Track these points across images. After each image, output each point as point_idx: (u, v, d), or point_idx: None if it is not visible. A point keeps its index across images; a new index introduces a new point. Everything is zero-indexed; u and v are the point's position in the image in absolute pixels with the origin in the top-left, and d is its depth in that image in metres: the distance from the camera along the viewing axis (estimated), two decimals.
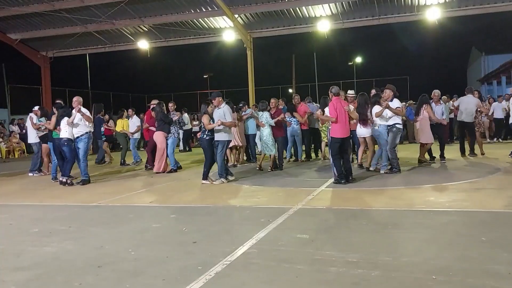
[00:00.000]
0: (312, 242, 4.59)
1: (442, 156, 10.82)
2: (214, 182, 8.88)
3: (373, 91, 10.12)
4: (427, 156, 10.69)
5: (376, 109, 9.14)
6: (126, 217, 6.26)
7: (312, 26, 20.07)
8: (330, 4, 18.60)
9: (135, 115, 14.11)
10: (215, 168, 9.23)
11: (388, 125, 9.13)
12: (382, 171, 9.17)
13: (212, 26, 21.17)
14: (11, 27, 22.02)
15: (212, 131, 8.92)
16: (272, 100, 10.93)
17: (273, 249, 4.37)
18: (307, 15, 19.64)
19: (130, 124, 13.66)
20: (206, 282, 3.56)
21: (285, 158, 12.18)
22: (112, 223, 5.94)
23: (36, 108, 11.87)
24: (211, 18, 20.41)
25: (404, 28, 36.90)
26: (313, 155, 13.24)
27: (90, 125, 9.76)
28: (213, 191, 8.28)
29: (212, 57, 36.37)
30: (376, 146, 9.69)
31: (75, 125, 9.36)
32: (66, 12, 19.37)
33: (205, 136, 9.00)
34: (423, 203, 6.30)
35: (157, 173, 10.81)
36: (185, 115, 17.92)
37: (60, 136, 9.31)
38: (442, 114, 11.00)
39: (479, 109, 11.61)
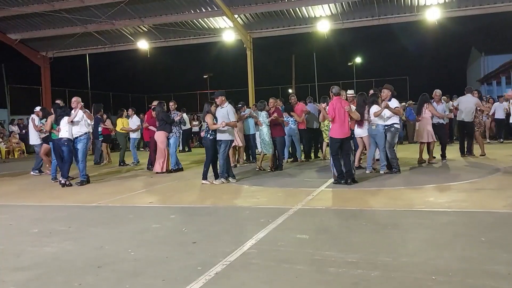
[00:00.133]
0: (312, 242, 4.59)
1: (443, 156, 10.84)
2: (214, 182, 8.88)
3: (371, 91, 10.13)
4: (426, 156, 10.71)
5: (375, 108, 9.15)
6: (126, 218, 6.27)
7: (312, 26, 20.07)
8: (330, 5, 18.60)
9: (135, 115, 14.11)
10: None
11: (386, 125, 9.14)
12: (381, 171, 9.17)
13: (212, 26, 21.16)
14: (11, 27, 22.01)
15: (215, 131, 8.92)
16: (271, 100, 10.92)
17: (272, 249, 4.37)
18: (307, 16, 19.63)
19: (130, 123, 13.67)
20: (206, 283, 3.57)
21: (284, 158, 12.15)
22: (112, 224, 5.95)
23: (38, 109, 11.86)
24: (211, 18, 20.40)
25: (404, 28, 36.95)
26: (312, 155, 13.25)
27: (91, 124, 9.80)
28: (213, 191, 8.29)
29: (212, 57, 36.37)
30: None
31: (75, 125, 9.34)
32: (66, 12, 19.36)
33: (208, 135, 9.00)
34: (422, 203, 6.31)
35: (157, 173, 10.81)
36: (184, 115, 17.91)
37: (60, 136, 9.26)
38: (447, 110, 11.12)
39: (479, 108, 11.60)
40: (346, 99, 8.87)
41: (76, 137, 9.41)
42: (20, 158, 18.88)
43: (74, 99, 9.72)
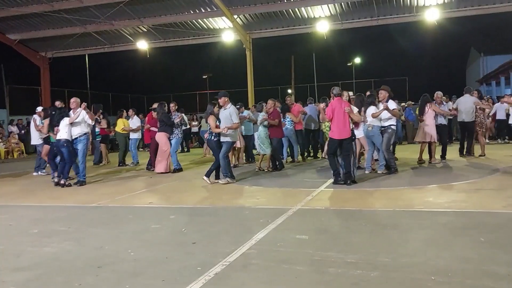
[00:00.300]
0: (312, 242, 4.60)
1: (443, 156, 10.88)
2: (220, 182, 8.87)
3: (368, 93, 10.13)
4: (426, 156, 10.74)
5: (372, 110, 9.15)
6: (125, 218, 6.27)
7: (311, 26, 20.09)
8: (329, 5, 18.62)
9: (135, 116, 14.08)
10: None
11: (383, 126, 9.18)
12: (379, 171, 9.19)
13: (211, 27, 21.18)
14: (10, 28, 22.01)
15: (218, 132, 8.92)
16: (270, 102, 10.92)
17: (272, 249, 4.38)
18: (306, 16, 19.66)
19: (130, 124, 13.64)
20: (206, 283, 3.57)
21: (282, 159, 12.14)
22: (111, 224, 5.95)
23: (40, 109, 11.85)
24: (210, 18, 20.42)
25: (403, 29, 36.92)
26: (311, 155, 13.26)
27: (91, 124, 9.82)
28: (213, 191, 8.29)
29: (211, 57, 36.42)
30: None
31: (75, 125, 9.33)
32: (65, 12, 19.36)
33: (212, 137, 9.00)
34: (422, 203, 6.31)
35: (160, 173, 10.83)
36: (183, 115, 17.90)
37: (59, 138, 9.22)
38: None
39: (479, 107, 11.61)
40: (349, 100, 8.84)
41: (76, 138, 9.40)
42: (19, 158, 18.87)
43: (72, 99, 9.71)
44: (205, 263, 4.02)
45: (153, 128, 11.51)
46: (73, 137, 9.35)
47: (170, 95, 29.57)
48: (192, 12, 19.81)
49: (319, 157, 13.03)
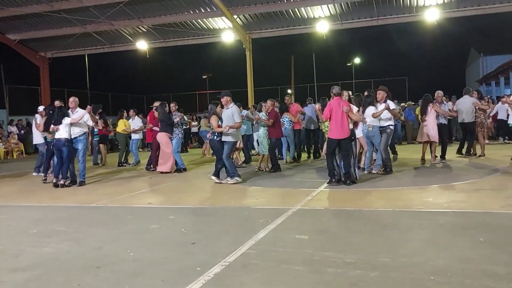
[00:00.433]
0: (311, 242, 4.60)
1: (443, 156, 10.90)
2: (228, 182, 8.86)
3: (366, 93, 10.12)
4: (428, 156, 10.76)
5: (372, 110, 9.14)
6: (125, 218, 6.27)
7: (311, 27, 20.09)
8: (329, 5, 18.61)
9: (136, 116, 14.03)
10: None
11: (381, 126, 9.19)
12: (374, 171, 9.19)
13: (211, 27, 21.17)
14: (10, 28, 21.99)
15: (220, 132, 8.91)
16: (268, 102, 10.92)
17: (272, 249, 4.38)
18: (306, 16, 19.65)
19: (131, 124, 13.63)
20: (205, 283, 3.57)
21: (281, 159, 12.14)
22: (111, 224, 5.95)
23: (41, 108, 11.84)
24: (210, 18, 20.41)
25: (403, 29, 36.96)
26: (306, 155, 13.26)
27: (91, 125, 9.86)
28: (212, 192, 8.30)
29: (211, 57, 36.44)
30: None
31: (75, 125, 9.33)
32: (65, 12, 19.35)
33: (215, 137, 8.99)
34: (421, 203, 6.32)
35: (165, 172, 10.85)
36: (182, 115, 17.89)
37: (58, 137, 9.20)
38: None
39: (478, 107, 11.61)
40: (349, 100, 8.82)
41: (75, 137, 9.40)
42: (18, 158, 18.86)
43: (71, 99, 9.72)
44: (204, 263, 4.02)
45: (155, 128, 11.50)
46: (73, 137, 9.35)
47: (169, 95, 29.59)
48: (192, 12, 19.80)
49: (319, 157, 13.01)
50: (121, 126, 13.55)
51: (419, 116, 11.05)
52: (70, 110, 9.58)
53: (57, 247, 4.83)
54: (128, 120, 13.76)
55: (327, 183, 8.07)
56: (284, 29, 20.83)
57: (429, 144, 10.69)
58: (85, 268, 4.10)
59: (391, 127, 9.35)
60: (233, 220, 5.85)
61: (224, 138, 8.91)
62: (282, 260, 4.04)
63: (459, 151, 11.90)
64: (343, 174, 8.07)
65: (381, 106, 9.26)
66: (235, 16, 19.62)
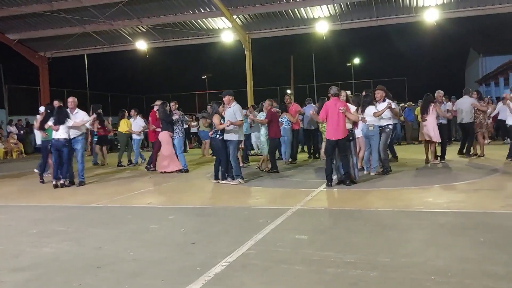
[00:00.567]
0: (311, 243, 4.60)
1: (442, 156, 10.92)
2: (230, 183, 8.87)
3: (364, 93, 10.11)
4: (430, 156, 10.78)
5: (373, 109, 9.13)
6: (125, 218, 6.27)
7: (310, 27, 20.08)
8: (329, 6, 18.61)
9: (138, 116, 14.00)
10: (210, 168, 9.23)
11: (381, 126, 9.20)
12: (372, 173, 9.17)
13: (211, 27, 21.16)
14: (10, 28, 21.96)
15: (223, 131, 8.91)
16: (267, 102, 10.92)
17: (271, 250, 4.38)
18: (306, 16, 19.65)
19: (133, 124, 13.61)
20: (205, 283, 3.57)
21: (281, 159, 12.14)
22: (111, 224, 5.95)
23: (42, 109, 11.82)
24: (209, 19, 20.40)
25: (402, 29, 36.94)
26: (306, 155, 13.26)
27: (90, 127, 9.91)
28: (212, 192, 8.30)
29: (210, 58, 36.44)
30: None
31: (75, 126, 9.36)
32: (65, 12, 19.33)
33: (217, 136, 8.99)
34: (421, 204, 6.32)
35: (162, 172, 10.85)
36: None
37: (58, 137, 9.18)
38: (447, 112, 11.27)
39: (476, 108, 11.62)
40: (347, 100, 8.79)
41: (73, 138, 9.40)
42: (18, 158, 18.85)
43: (70, 99, 9.70)
44: (204, 263, 4.02)
45: (158, 129, 11.48)
46: (71, 137, 9.34)
47: (169, 95, 29.58)
48: (191, 12, 19.78)
49: (318, 158, 13.01)
50: (123, 126, 13.52)
51: (419, 116, 11.06)
52: (69, 110, 9.57)
53: (57, 247, 4.83)
54: (129, 120, 13.74)
55: (326, 185, 8.06)
56: (284, 29, 20.82)
57: (430, 144, 10.71)
58: (85, 268, 4.10)
59: (390, 126, 9.37)
60: (233, 220, 5.85)
61: (227, 137, 8.90)
62: (282, 260, 4.04)
63: (460, 152, 11.91)
64: (342, 174, 8.06)
65: (381, 106, 9.26)
66: (235, 16, 19.62)
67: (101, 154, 14.11)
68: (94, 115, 9.89)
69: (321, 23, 19.24)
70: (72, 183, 9.49)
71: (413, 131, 17.71)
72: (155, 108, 11.84)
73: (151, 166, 11.66)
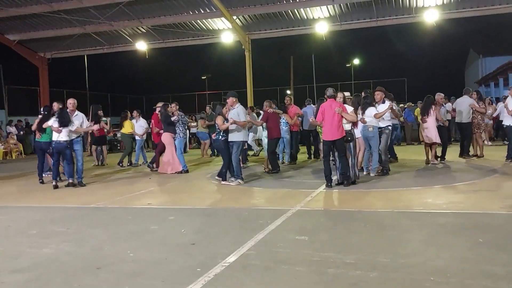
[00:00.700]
0: (311, 243, 4.60)
1: (443, 157, 10.94)
2: (231, 183, 8.86)
3: (363, 93, 10.10)
4: (430, 157, 10.79)
5: (373, 110, 9.12)
6: (125, 219, 6.27)
7: (310, 28, 20.09)
8: (328, 6, 18.63)
9: (141, 117, 13.98)
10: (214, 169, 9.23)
11: (380, 127, 9.21)
12: (372, 174, 9.17)
13: (211, 28, 21.18)
14: (9, 28, 21.99)
15: (226, 132, 8.91)
16: (265, 103, 10.92)
17: (271, 250, 4.38)
18: (305, 17, 19.67)
19: (136, 125, 13.62)
20: (205, 284, 3.58)
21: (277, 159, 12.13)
22: (111, 225, 5.95)
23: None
24: (209, 19, 20.42)
25: (402, 30, 37.03)
26: (303, 156, 13.26)
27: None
28: (212, 192, 8.30)
29: (210, 58, 36.45)
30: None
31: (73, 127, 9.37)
32: (65, 13, 19.35)
33: (220, 137, 8.99)
34: (420, 204, 6.33)
35: (164, 173, 10.84)
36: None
37: (60, 139, 9.16)
38: (446, 113, 11.27)
39: (474, 109, 11.63)
40: (344, 101, 8.77)
41: (72, 139, 9.41)
42: (17, 159, 18.85)
43: (71, 101, 9.70)
44: (204, 264, 4.03)
45: (161, 131, 11.49)
46: (70, 138, 9.36)
47: (169, 96, 29.60)
48: (191, 13, 19.80)
49: (319, 158, 13.01)
50: (127, 127, 13.52)
51: (419, 117, 11.07)
52: (69, 112, 9.57)
53: (57, 248, 4.83)
54: (131, 121, 13.74)
55: (326, 186, 8.06)
56: (284, 30, 20.84)
57: (430, 145, 10.72)
58: (85, 268, 4.11)
59: (389, 127, 9.43)
60: (233, 221, 5.86)
61: (231, 138, 8.91)
62: (282, 261, 4.05)
63: (461, 154, 11.91)
64: (340, 175, 8.06)
65: (381, 107, 9.26)
66: (235, 17, 19.63)
67: (95, 155, 14.07)
68: (98, 126, 10.00)
69: (321, 24, 19.26)
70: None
71: (412, 132, 17.72)
72: (157, 110, 11.85)
73: (154, 166, 11.66)
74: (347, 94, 10.58)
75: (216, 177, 9.37)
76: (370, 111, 9.09)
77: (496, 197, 6.61)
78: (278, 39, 23.47)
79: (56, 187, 9.21)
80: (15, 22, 21.08)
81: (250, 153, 14.78)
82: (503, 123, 11.64)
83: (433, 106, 10.52)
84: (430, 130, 10.44)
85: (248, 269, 3.90)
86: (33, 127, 10.38)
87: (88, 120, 11.03)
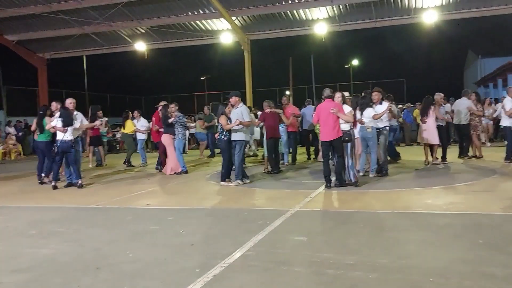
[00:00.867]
0: (310, 244, 4.60)
1: (443, 157, 10.96)
2: (230, 184, 8.85)
3: (363, 94, 10.10)
4: (430, 157, 10.80)
5: (372, 111, 9.12)
6: (124, 219, 6.26)
7: (309, 28, 20.10)
8: (327, 7, 18.65)
9: (141, 117, 13.97)
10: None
11: (379, 128, 9.22)
12: (371, 175, 9.16)
13: (210, 28, 21.18)
14: (8, 29, 21.97)
15: (229, 132, 8.90)
16: (264, 104, 10.92)
17: (271, 251, 4.38)
18: (304, 18, 19.69)
19: (137, 125, 13.61)
20: (204, 285, 3.57)
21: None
22: (110, 225, 5.94)
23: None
24: (208, 20, 20.42)
25: (401, 31, 37.00)
26: (302, 157, 13.26)
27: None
28: (211, 193, 8.30)
29: (209, 59, 36.45)
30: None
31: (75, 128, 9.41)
32: (63, 13, 19.34)
33: (223, 137, 8.98)
34: (420, 205, 6.33)
35: (169, 174, 10.85)
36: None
37: (64, 138, 9.11)
38: (445, 114, 11.29)
39: (471, 111, 11.65)
40: (344, 101, 8.75)
41: (76, 138, 9.44)
42: (16, 159, 18.82)
43: (70, 101, 9.69)
44: (203, 264, 4.02)
45: (161, 130, 11.50)
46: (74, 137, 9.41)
47: (168, 97, 29.56)
48: (190, 14, 19.80)
49: (318, 159, 13.01)
50: (130, 126, 13.52)
51: (418, 118, 11.08)
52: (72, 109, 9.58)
53: (56, 248, 4.82)
54: (132, 121, 13.74)
55: (325, 186, 8.05)
56: (283, 31, 20.85)
57: (429, 146, 10.73)
58: (84, 269, 4.10)
59: (387, 128, 9.46)
60: (232, 222, 5.85)
61: (233, 138, 8.89)
62: (281, 262, 4.04)
63: (460, 156, 11.93)
64: (335, 175, 8.05)
65: (379, 107, 9.26)
66: (234, 18, 19.64)
67: (91, 155, 14.04)
68: (100, 121, 9.98)
69: (320, 25, 19.26)
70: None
71: (411, 132, 17.72)
72: (159, 108, 11.85)
73: (161, 166, 11.64)
74: (346, 94, 10.57)
75: (222, 183, 9.12)
76: (368, 112, 9.09)
77: (495, 198, 6.61)
78: (277, 39, 23.47)
79: (55, 187, 9.19)
80: (14, 22, 21.06)
81: (250, 153, 14.76)
82: (500, 124, 11.66)
83: (432, 107, 10.53)
84: (429, 131, 10.44)
85: (247, 269, 3.90)
86: (32, 128, 10.41)
87: (87, 120, 11.02)
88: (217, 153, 15.15)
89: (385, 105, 9.36)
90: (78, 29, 21.10)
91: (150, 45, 22.66)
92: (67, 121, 9.14)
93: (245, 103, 19.71)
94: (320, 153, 11.06)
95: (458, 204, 6.38)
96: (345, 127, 8.16)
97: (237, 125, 8.71)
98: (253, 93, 21.85)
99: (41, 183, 10.06)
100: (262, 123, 10.72)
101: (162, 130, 11.43)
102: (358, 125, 9.10)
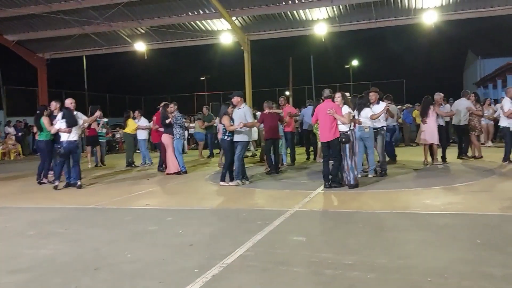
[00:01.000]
0: (309, 244, 4.61)
1: (443, 157, 10.97)
2: (230, 184, 8.85)
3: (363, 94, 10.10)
4: (429, 158, 10.81)
5: (369, 112, 9.11)
6: (123, 220, 6.26)
7: (309, 29, 20.10)
8: (327, 8, 18.66)
9: (142, 117, 13.99)
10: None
11: (376, 128, 9.22)
12: (370, 175, 9.15)
13: (210, 29, 21.18)
14: (8, 29, 21.97)
15: (232, 132, 8.90)
16: (264, 105, 10.93)
17: (269, 251, 4.38)
18: (304, 18, 19.70)
19: (138, 125, 13.64)
20: (203, 285, 3.58)
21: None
22: (109, 225, 5.94)
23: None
24: (208, 20, 20.43)
25: (401, 31, 37.00)
26: (302, 157, 13.26)
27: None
28: (210, 193, 8.30)
29: (209, 59, 36.45)
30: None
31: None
32: (63, 13, 19.34)
33: (225, 137, 8.99)
34: (419, 205, 6.34)
35: (171, 174, 10.88)
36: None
37: (70, 139, 9.09)
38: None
39: (470, 112, 11.66)
40: (345, 102, 8.65)
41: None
42: (16, 160, 18.82)
43: (69, 101, 9.69)
44: (202, 265, 4.03)
45: (161, 129, 11.52)
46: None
47: (167, 97, 29.55)
48: (190, 14, 19.81)
49: (317, 159, 13.01)
50: (132, 126, 13.53)
51: (417, 119, 11.08)
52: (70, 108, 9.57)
53: (55, 249, 4.83)
54: (133, 121, 13.75)
55: (324, 187, 8.05)
56: (283, 31, 20.85)
57: (429, 147, 10.74)
58: (83, 269, 4.10)
59: (385, 128, 9.51)
60: (232, 222, 5.86)
61: (236, 138, 8.89)
62: (280, 262, 4.05)
63: (459, 156, 11.94)
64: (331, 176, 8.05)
65: (376, 107, 9.27)
66: (234, 18, 19.64)
67: (90, 155, 14.03)
68: (99, 112, 9.95)
69: (320, 25, 19.27)
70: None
71: (411, 133, 17.73)
72: (161, 109, 11.87)
73: (164, 167, 11.64)
74: (347, 94, 10.55)
75: (221, 183, 9.09)
76: (366, 112, 9.09)
77: (494, 198, 6.61)
78: (277, 40, 23.45)
79: (56, 187, 9.19)
80: (14, 22, 21.07)
81: (248, 154, 14.76)
82: (499, 124, 11.67)
83: (432, 107, 10.54)
84: (430, 130, 10.44)
85: (246, 270, 3.90)
86: (34, 129, 10.42)
87: None
88: (216, 154, 15.16)
89: (383, 105, 9.39)
90: (78, 29, 21.10)
91: (150, 45, 22.66)
92: (71, 122, 9.13)
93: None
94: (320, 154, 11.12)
95: (457, 204, 6.39)
96: (343, 128, 7.97)
97: (241, 128, 8.72)
98: (253, 93, 21.84)
99: (40, 183, 10.07)
100: (262, 124, 10.71)
101: (161, 129, 11.46)
102: (357, 126, 9.08)
